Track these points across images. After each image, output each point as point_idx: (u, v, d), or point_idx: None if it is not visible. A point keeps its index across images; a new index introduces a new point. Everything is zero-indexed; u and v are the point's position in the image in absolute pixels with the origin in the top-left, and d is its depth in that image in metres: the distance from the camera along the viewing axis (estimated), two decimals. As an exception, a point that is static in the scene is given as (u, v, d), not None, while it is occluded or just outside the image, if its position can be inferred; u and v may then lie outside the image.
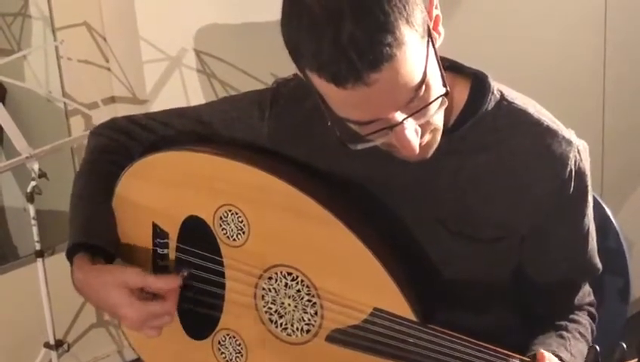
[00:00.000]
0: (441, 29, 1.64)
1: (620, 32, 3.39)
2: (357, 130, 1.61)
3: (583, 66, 3.36)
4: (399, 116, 1.55)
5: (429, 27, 1.57)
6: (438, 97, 1.58)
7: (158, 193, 1.90)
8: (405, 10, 1.49)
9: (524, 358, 1.65)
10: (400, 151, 1.61)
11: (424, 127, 1.61)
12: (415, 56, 1.52)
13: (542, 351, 1.65)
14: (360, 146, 1.61)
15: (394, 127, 1.56)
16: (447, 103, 1.62)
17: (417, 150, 1.60)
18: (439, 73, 1.59)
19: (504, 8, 3.21)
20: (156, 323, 1.80)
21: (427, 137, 1.64)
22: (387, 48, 1.47)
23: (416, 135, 1.59)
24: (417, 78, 1.53)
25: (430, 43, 1.57)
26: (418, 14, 1.52)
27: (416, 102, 1.55)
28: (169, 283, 1.81)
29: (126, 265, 1.86)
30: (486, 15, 3.17)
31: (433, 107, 1.59)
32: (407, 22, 1.49)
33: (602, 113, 3.42)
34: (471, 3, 3.14)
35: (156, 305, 1.79)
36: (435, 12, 1.62)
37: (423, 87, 1.55)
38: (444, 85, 1.59)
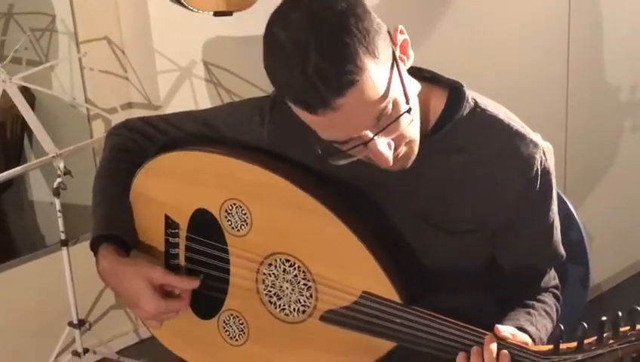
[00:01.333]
0: (410, 51, 1.65)
1: (583, 37, 3.39)
2: (338, 147, 1.63)
3: (547, 73, 3.36)
4: (370, 133, 1.58)
5: (393, 52, 1.59)
6: (402, 113, 1.59)
7: (169, 188, 1.89)
8: (365, 40, 1.52)
9: (487, 333, 1.65)
10: (377, 163, 1.62)
11: (398, 140, 1.62)
12: (377, 80, 1.54)
13: (497, 325, 1.65)
14: (342, 162, 1.64)
15: (367, 143, 1.58)
16: (416, 119, 1.64)
17: (391, 162, 1.61)
18: (403, 92, 1.60)
19: (478, 27, 3.21)
20: (165, 317, 1.83)
21: (403, 149, 1.65)
22: (349, 75, 1.50)
23: (389, 148, 1.61)
24: (380, 98, 1.55)
25: (395, 66, 1.58)
26: (380, 42, 1.55)
27: (383, 119, 1.58)
28: (188, 284, 1.83)
29: (150, 260, 1.85)
30: (460, 31, 3.17)
31: (403, 122, 1.61)
32: (369, 50, 1.52)
33: (565, 117, 3.42)
34: (450, 22, 3.14)
35: (173, 303, 1.82)
36: (402, 37, 1.63)
37: (390, 105, 1.57)
38: (407, 102, 1.60)
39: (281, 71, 1.54)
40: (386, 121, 1.58)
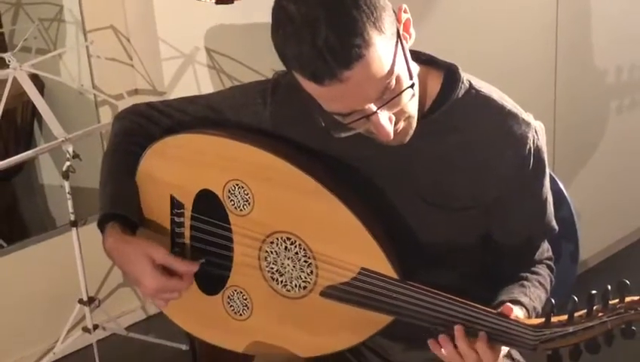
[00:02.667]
0: (412, 30, 1.65)
1: (571, 20, 3.37)
2: (340, 120, 1.62)
3: (536, 56, 3.34)
4: (374, 106, 1.58)
5: (398, 29, 1.59)
6: (406, 88, 1.59)
7: (175, 170, 1.88)
8: (373, 15, 1.52)
9: (487, 309, 1.65)
10: (378, 137, 1.62)
11: (398, 115, 1.62)
12: (383, 55, 1.54)
13: (508, 304, 1.65)
14: (343, 134, 1.64)
15: (370, 116, 1.58)
16: (417, 94, 1.64)
17: (392, 135, 1.61)
18: (407, 68, 1.60)
19: (472, 12, 3.20)
20: (167, 296, 1.82)
21: (402, 124, 1.65)
22: (357, 49, 1.50)
23: (391, 122, 1.61)
24: (386, 74, 1.55)
25: (399, 43, 1.58)
26: (386, 19, 1.54)
27: (387, 94, 1.58)
28: (188, 268, 1.82)
29: (154, 240, 1.83)
30: (457, 16, 3.15)
31: (405, 97, 1.61)
32: (375, 26, 1.52)
33: (554, 99, 3.41)
34: (445, 7, 3.12)
35: (174, 282, 1.80)
36: (405, 16, 1.64)
37: (393, 80, 1.57)
38: (411, 78, 1.60)
39: (291, 43, 1.53)
40: (390, 96, 1.58)
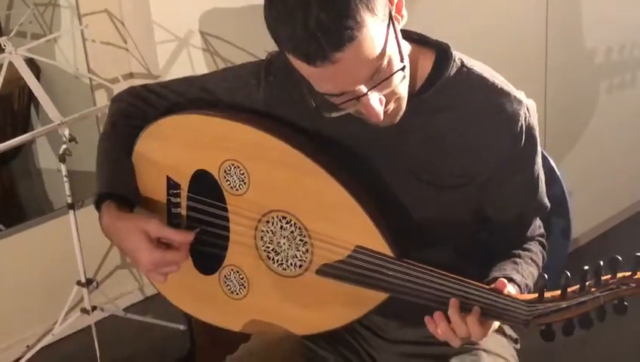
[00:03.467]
0: (404, 12, 1.63)
1: (561, 1, 3.37)
2: (331, 101, 1.62)
3: (527, 36, 3.35)
4: (364, 88, 1.57)
5: (390, 11, 1.57)
6: (397, 70, 1.58)
7: (171, 151, 1.88)
8: None
9: (480, 284, 1.65)
10: (368, 118, 1.62)
11: (388, 97, 1.62)
12: (375, 37, 1.53)
13: (501, 279, 1.65)
14: (334, 114, 1.63)
15: (360, 97, 1.58)
16: (407, 76, 1.63)
17: (382, 117, 1.61)
18: (398, 50, 1.59)
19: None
20: (165, 270, 1.81)
21: (392, 105, 1.64)
22: (349, 31, 1.48)
23: (381, 104, 1.60)
24: (377, 56, 1.54)
25: (391, 25, 1.57)
26: (379, 0, 1.53)
27: (378, 75, 1.57)
28: (184, 237, 1.81)
29: (148, 215, 1.84)
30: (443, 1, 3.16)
31: (395, 79, 1.60)
32: (367, 7, 1.50)
33: (544, 79, 3.41)
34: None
35: (169, 254, 1.79)
36: None
37: (385, 62, 1.56)
38: (402, 60, 1.60)
39: (283, 24, 1.52)
40: (381, 77, 1.57)
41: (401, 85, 1.62)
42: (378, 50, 1.54)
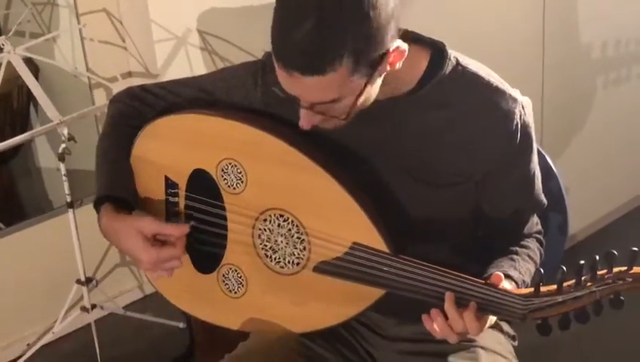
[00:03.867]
0: (399, 64, 1.64)
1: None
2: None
3: (524, 33, 3.35)
4: (304, 104, 1.60)
5: (376, 70, 1.58)
6: (335, 116, 1.63)
7: (168, 150, 1.88)
8: (361, 52, 1.53)
9: (476, 279, 1.65)
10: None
11: (322, 118, 1.65)
12: (338, 86, 1.56)
13: (497, 272, 1.66)
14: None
15: (299, 105, 1.62)
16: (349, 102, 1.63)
17: (306, 127, 1.65)
18: (355, 97, 1.60)
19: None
20: (167, 266, 1.81)
21: (327, 124, 1.66)
22: (320, 67, 1.51)
23: (310, 118, 1.64)
24: (329, 98, 1.58)
25: (364, 85, 1.58)
26: (372, 57, 1.55)
27: (318, 107, 1.60)
28: (178, 230, 1.81)
29: (143, 214, 1.84)
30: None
31: (332, 112, 1.62)
32: (355, 59, 1.53)
33: (541, 75, 3.41)
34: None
35: (166, 251, 1.79)
36: (398, 53, 1.61)
37: (331, 103, 1.59)
38: (347, 117, 1.62)
39: (276, 22, 1.54)
40: (319, 108, 1.61)
41: (338, 110, 1.63)
42: (331, 96, 1.57)
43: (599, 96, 3.64)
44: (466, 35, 2.93)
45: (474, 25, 3.17)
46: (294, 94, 1.60)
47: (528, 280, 1.76)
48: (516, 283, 1.71)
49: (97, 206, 1.85)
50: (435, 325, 1.65)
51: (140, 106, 1.94)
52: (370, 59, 1.54)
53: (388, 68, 1.61)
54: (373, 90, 1.64)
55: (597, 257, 1.58)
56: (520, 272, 1.75)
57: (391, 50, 1.58)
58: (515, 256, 1.79)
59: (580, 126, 3.63)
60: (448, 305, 1.63)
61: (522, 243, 1.85)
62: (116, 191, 1.86)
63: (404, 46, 1.61)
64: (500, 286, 1.64)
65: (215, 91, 1.89)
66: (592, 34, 3.51)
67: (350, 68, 1.52)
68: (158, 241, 1.80)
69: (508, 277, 1.71)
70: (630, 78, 3.73)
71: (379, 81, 1.64)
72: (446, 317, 1.64)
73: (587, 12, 3.46)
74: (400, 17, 1.58)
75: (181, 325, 3.19)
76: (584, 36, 3.50)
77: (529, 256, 1.82)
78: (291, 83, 1.57)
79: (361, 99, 1.61)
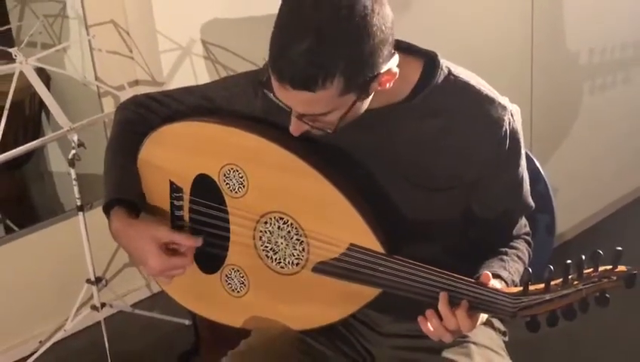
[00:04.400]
0: (389, 85, 1.64)
1: (545, 5, 3.37)
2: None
3: (513, 41, 3.34)
4: (294, 113, 1.61)
5: (366, 91, 1.60)
6: (324, 128, 1.64)
7: (173, 156, 1.88)
8: (354, 70, 1.53)
9: (468, 278, 1.65)
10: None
11: (313, 126, 1.66)
12: (328, 102, 1.56)
13: (486, 272, 1.66)
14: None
15: (290, 114, 1.62)
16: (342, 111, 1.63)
17: (296, 134, 1.66)
18: (343, 116, 1.61)
19: (453, 2, 3.20)
20: (172, 273, 1.83)
21: (318, 131, 1.66)
22: (313, 83, 1.52)
23: (299, 126, 1.64)
24: (316, 113, 1.59)
25: (354, 102, 1.59)
26: (364, 76, 1.56)
27: (308, 118, 1.61)
28: (191, 242, 1.83)
29: (157, 222, 1.84)
30: (439, 6, 3.15)
31: (321, 123, 1.63)
32: (346, 79, 1.53)
33: (530, 81, 3.41)
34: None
35: (177, 259, 1.81)
36: (391, 73, 1.62)
37: (320, 115, 1.60)
38: (335, 130, 1.63)
39: (275, 32, 1.54)
40: (309, 119, 1.62)
41: (327, 120, 1.64)
42: (322, 110, 1.58)
43: (586, 101, 3.64)
44: (458, 43, 2.93)
45: (465, 34, 3.17)
46: (286, 103, 1.61)
47: (517, 279, 1.76)
48: (506, 282, 1.71)
49: (107, 208, 1.85)
50: (429, 325, 1.65)
51: (145, 113, 1.94)
52: (360, 82, 1.55)
53: (378, 88, 1.62)
54: (362, 106, 1.64)
55: (583, 257, 1.58)
56: (509, 272, 1.75)
57: (382, 72, 1.59)
58: (504, 257, 1.79)
59: (568, 129, 3.63)
60: (442, 304, 1.63)
61: (511, 244, 1.85)
62: (125, 194, 1.86)
63: (396, 69, 1.62)
64: (490, 285, 1.64)
65: (217, 99, 1.89)
66: (579, 41, 3.51)
67: (340, 88, 1.53)
68: (169, 249, 1.81)
69: (498, 276, 1.71)
70: (616, 84, 3.72)
71: (368, 99, 1.65)
72: (440, 318, 1.64)
73: (574, 20, 3.46)
74: (393, 39, 1.59)
75: (187, 322, 3.19)
76: (571, 44, 3.49)
77: (518, 257, 1.82)
78: (283, 93, 1.57)
79: (350, 114, 1.62)
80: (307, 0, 1.52)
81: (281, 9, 1.56)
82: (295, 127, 1.65)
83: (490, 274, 1.65)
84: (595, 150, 3.76)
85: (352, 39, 1.51)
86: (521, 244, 1.86)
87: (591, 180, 3.77)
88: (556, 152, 3.59)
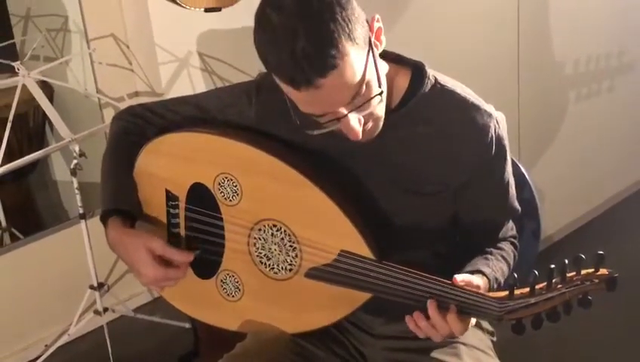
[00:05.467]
0: (383, 38, 1.64)
1: (531, 18, 3.37)
2: (315, 120, 1.63)
3: (500, 52, 3.35)
4: (344, 110, 1.58)
5: (370, 39, 1.58)
6: (375, 95, 1.60)
7: (169, 165, 1.87)
8: (348, 27, 1.51)
9: (449, 282, 1.64)
10: (348, 135, 1.62)
11: (367, 117, 1.63)
12: (355, 64, 1.54)
13: (455, 276, 1.65)
14: (317, 132, 1.64)
15: (341, 118, 1.59)
16: (384, 99, 1.64)
17: (360, 136, 1.62)
18: (377, 75, 1.60)
19: (442, 14, 3.20)
20: (164, 284, 1.83)
21: (370, 124, 1.65)
22: (332, 59, 1.50)
23: (360, 124, 1.61)
24: (357, 81, 1.55)
25: (370, 52, 1.58)
26: (359, 29, 1.54)
27: (358, 99, 1.58)
28: (184, 257, 1.83)
29: (152, 232, 1.84)
30: (428, 18, 3.15)
31: (374, 102, 1.61)
32: (349, 37, 1.51)
33: (517, 90, 3.41)
34: (416, 10, 3.12)
35: (171, 272, 1.81)
36: (377, 25, 1.63)
37: (364, 87, 1.57)
38: (380, 85, 1.61)
39: (272, 51, 1.53)
40: (360, 101, 1.58)
41: (378, 107, 1.64)
42: (358, 77, 1.55)
43: (571, 109, 3.64)
44: (449, 54, 2.94)
45: (454, 45, 3.18)
46: (329, 109, 1.58)
47: (501, 278, 1.76)
48: (488, 279, 1.71)
49: (104, 218, 1.84)
50: (418, 324, 1.64)
51: (141, 123, 1.94)
52: (359, 34, 1.53)
53: (379, 43, 1.62)
54: (383, 66, 1.64)
55: (566, 261, 1.58)
56: (493, 269, 1.74)
57: (368, 20, 1.59)
58: (489, 256, 1.79)
59: (554, 136, 3.63)
60: (432, 311, 1.63)
61: (497, 245, 1.84)
62: (120, 204, 1.85)
63: (379, 22, 1.62)
64: (460, 281, 1.63)
65: (211, 109, 1.89)
66: (564, 51, 3.52)
67: (350, 46, 1.51)
68: (163, 261, 1.81)
69: (480, 272, 1.71)
70: (600, 92, 3.73)
71: (384, 65, 1.65)
72: (427, 317, 1.64)
73: (560, 30, 3.47)
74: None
75: (187, 326, 3.18)
76: (557, 53, 3.50)
77: (502, 257, 1.81)
78: (318, 96, 1.53)
79: (382, 77, 1.60)
80: (281, 8, 1.51)
81: (258, 31, 1.55)
82: (354, 123, 1.59)
83: (459, 278, 1.64)
84: (580, 155, 3.76)
85: (333, 10, 1.50)
86: (506, 246, 1.86)
87: (577, 184, 3.77)
88: (543, 157, 3.59)
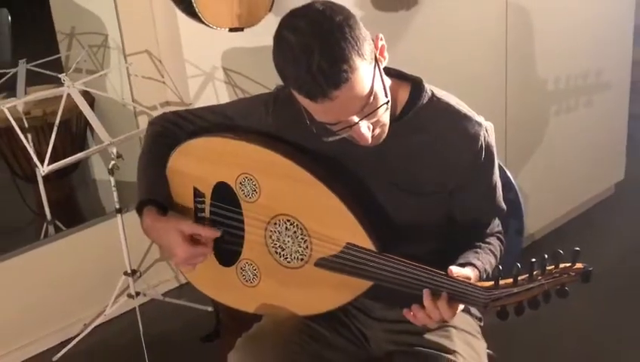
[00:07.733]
0: (386, 54, 1.66)
1: (518, 38, 3.37)
2: (329, 128, 1.64)
3: (489, 68, 3.34)
4: (356, 118, 1.60)
5: (375, 55, 1.60)
6: (382, 104, 1.61)
7: (196, 166, 1.88)
8: (357, 45, 1.53)
9: (443, 272, 1.65)
10: (358, 141, 1.64)
11: (375, 124, 1.64)
12: (364, 77, 1.55)
13: (450, 267, 1.65)
14: (331, 139, 1.65)
15: (352, 126, 1.60)
16: (389, 108, 1.65)
17: (370, 141, 1.64)
18: (382, 87, 1.61)
19: (437, 34, 3.20)
20: (195, 261, 1.83)
21: (378, 130, 1.67)
22: (344, 73, 1.51)
23: (369, 130, 1.63)
24: (367, 93, 1.57)
25: (376, 66, 1.60)
26: (366, 46, 1.56)
27: (367, 108, 1.60)
28: (211, 233, 1.84)
29: (181, 217, 1.85)
30: (425, 37, 3.16)
31: (381, 110, 1.63)
32: (358, 53, 1.53)
33: (504, 104, 3.40)
34: (415, 30, 3.12)
35: (199, 248, 1.82)
36: (381, 43, 1.64)
37: (372, 97, 1.59)
38: (386, 95, 1.62)
39: (290, 67, 1.54)
40: (369, 110, 1.60)
41: (384, 115, 1.65)
42: (367, 88, 1.56)
43: (553, 120, 3.63)
44: (443, 70, 2.93)
45: (448, 61, 3.18)
46: (342, 117, 1.59)
47: (489, 269, 1.77)
48: (478, 270, 1.71)
49: (139, 208, 1.86)
50: (415, 315, 1.65)
51: (173, 128, 1.95)
52: (366, 50, 1.55)
53: (383, 58, 1.64)
54: (386, 80, 1.65)
55: (546, 256, 1.58)
56: (482, 262, 1.75)
57: (372, 38, 1.60)
58: (478, 250, 1.79)
59: (537, 144, 3.62)
60: (426, 299, 1.63)
61: (485, 240, 1.85)
62: (154, 195, 1.87)
63: (382, 40, 1.64)
64: (455, 274, 1.63)
65: (234, 117, 1.90)
66: (547, 69, 3.51)
67: (359, 61, 1.53)
68: (192, 240, 1.81)
69: (471, 265, 1.71)
70: (578, 107, 3.72)
71: (387, 79, 1.66)
72: (423, 307, 1.65)
73: (543, 50, 3.46)
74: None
75: (209, 309, 3.18)
76: (540, 71, 3.49)
77: (490, 250, 1.82)
78: (332, 106, 1.55)
79: (387, 89, 1.62)
80: (297, 30, 1.53)
81: (277, 51, 1.57)
82: (364, 130, 1.61)
83: (454, 270, 1.65)
84: (560, 162, 3.75)
85: (343, 30, 1.52)
86: (493, 241, 1.86)
87: (557, 187, 3.76)
88: (527, 163, 3.58)
